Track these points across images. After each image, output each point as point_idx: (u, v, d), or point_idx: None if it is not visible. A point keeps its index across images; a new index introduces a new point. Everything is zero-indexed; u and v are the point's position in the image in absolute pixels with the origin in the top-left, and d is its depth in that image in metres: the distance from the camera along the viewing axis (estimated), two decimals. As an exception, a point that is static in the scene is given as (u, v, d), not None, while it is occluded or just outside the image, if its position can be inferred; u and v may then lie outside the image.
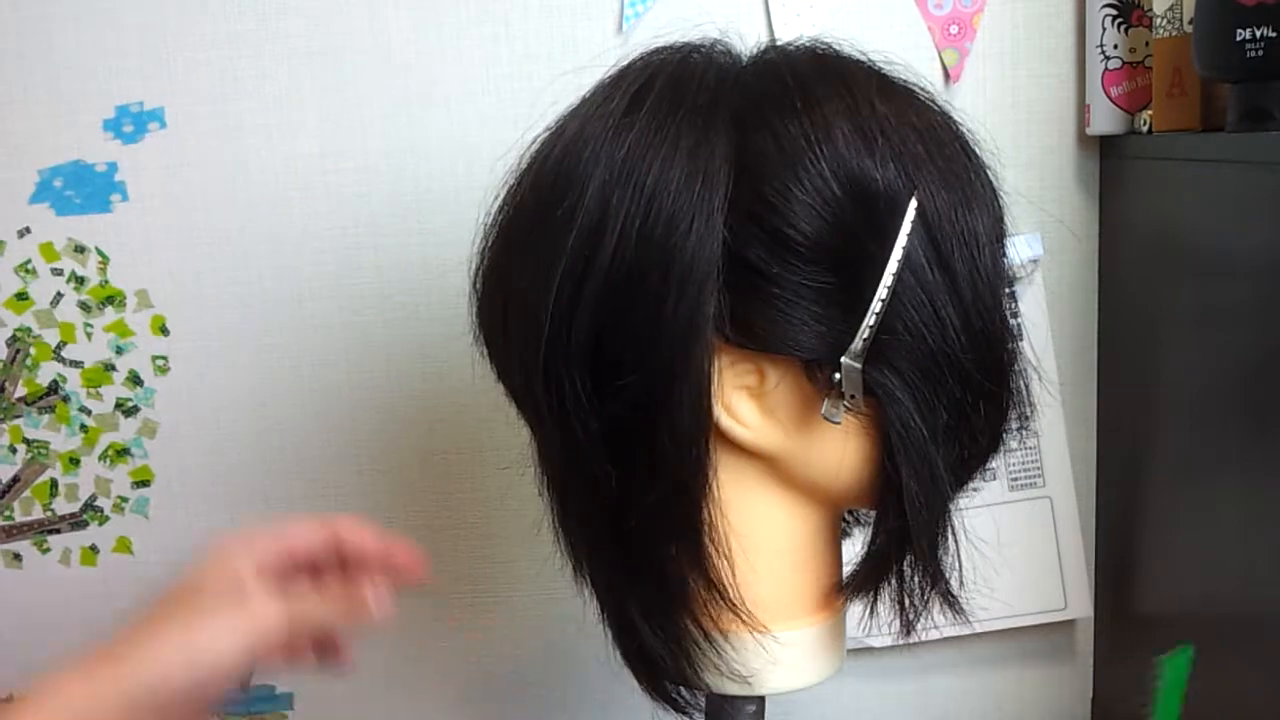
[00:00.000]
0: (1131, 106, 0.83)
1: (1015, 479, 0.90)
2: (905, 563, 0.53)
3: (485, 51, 0.85)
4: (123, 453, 0.91)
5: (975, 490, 0.54)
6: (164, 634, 0.50)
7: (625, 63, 0.52)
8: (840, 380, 0.47)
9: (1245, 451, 0.69)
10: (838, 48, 0.52)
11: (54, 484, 0.91)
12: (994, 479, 0.90)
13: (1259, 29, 0.65)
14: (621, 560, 0.52)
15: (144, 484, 0.91)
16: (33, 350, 0.89)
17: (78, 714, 0.48)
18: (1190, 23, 0.74)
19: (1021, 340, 0.52)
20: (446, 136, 0.86)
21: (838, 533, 0.57)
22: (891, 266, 0.46)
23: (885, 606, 0.55)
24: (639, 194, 0.46)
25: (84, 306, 0.89)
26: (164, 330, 0.89)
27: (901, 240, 0.46)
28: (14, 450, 0.90)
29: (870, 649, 0.92)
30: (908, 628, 0.55)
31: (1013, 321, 0.51)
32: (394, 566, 0.56)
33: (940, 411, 0.48)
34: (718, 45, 0.52)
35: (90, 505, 0.91)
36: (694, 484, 0.49)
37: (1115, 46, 0.83)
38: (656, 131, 0.47)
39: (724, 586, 0.51)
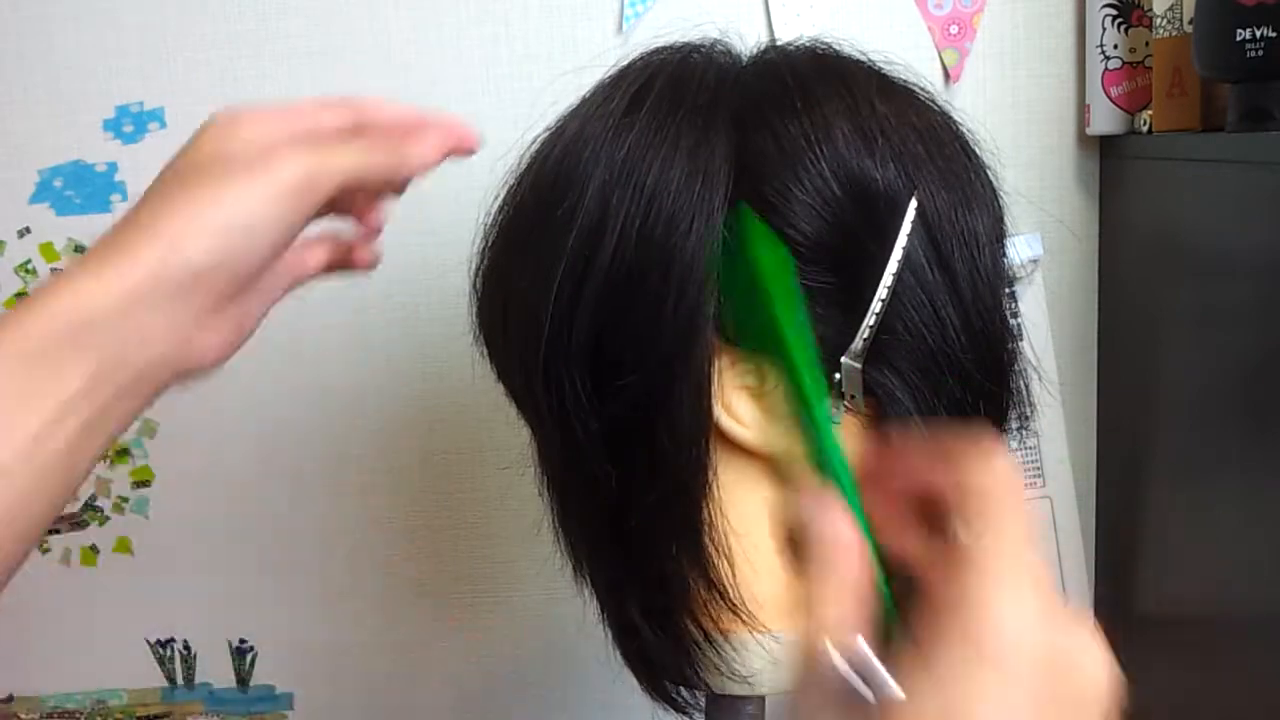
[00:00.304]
0: (1131, 106, 0.83)
1: (1015, 479, 0.90)
2: (905, 563, 0.53)
3: (485, 51, 0.86)
4: (123, 453, 0.91)
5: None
6: (183, 207, 0.43)
7: (625, 63, 0.52)
8: (840, 380, 0.47)
9: (1245, 451, 0.69)
10: (838, 48, 0.52)
11: (54, 484, 0.91)
12: (994, 479, 0.90)
13: (1259, 29, 0.65)
14: (621, 560, 0.52)
15: (144, 484, 0.91)
16: (33, 350, 0.89)
17: (90, 315, 0.42)
18: (1190, 23, 0.74)
19: (1021, 340, 0.52)
20: (446, 136, 0.86)
21: (838, 533, 0.57)
22: (891, 266, 0.46)
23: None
24: (639, 194, 0.46)
25: (84, 306, 0.89)
26: (164, 330, 0.89)
27: (901, 240, 0.46)
28: (14, 450, 0.90)
29: (870, 649, 0.92)
30: (908, 627, 0.55)
31: (1013, 321, 0.51)
32: (440, 131, 0.49)
33: (940, 411, 0.48)
34: (718, 45, 0.52)
35: (90, 505, 0.91)
36: (694, 484, 0.49)
37: (1115, 46, 0.83)
38: (656, 131, 0.47)
39: (724, 586, 0.51)
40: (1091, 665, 0.33)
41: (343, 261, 0.53)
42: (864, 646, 0.31)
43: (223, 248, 0.43)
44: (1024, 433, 0.54)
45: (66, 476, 0.42)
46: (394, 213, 0.54)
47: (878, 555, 0.36)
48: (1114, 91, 0.84)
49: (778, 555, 0.53)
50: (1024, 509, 0.33)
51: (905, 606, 0.34)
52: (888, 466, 0.38)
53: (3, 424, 0.40)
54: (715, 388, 0.48)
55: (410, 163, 0.47)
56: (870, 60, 0.51)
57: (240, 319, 0.48)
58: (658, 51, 0.52)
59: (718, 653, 0.53)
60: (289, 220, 0.44)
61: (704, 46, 0.52)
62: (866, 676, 0.31)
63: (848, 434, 0.49)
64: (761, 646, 0.53)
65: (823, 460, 0.37)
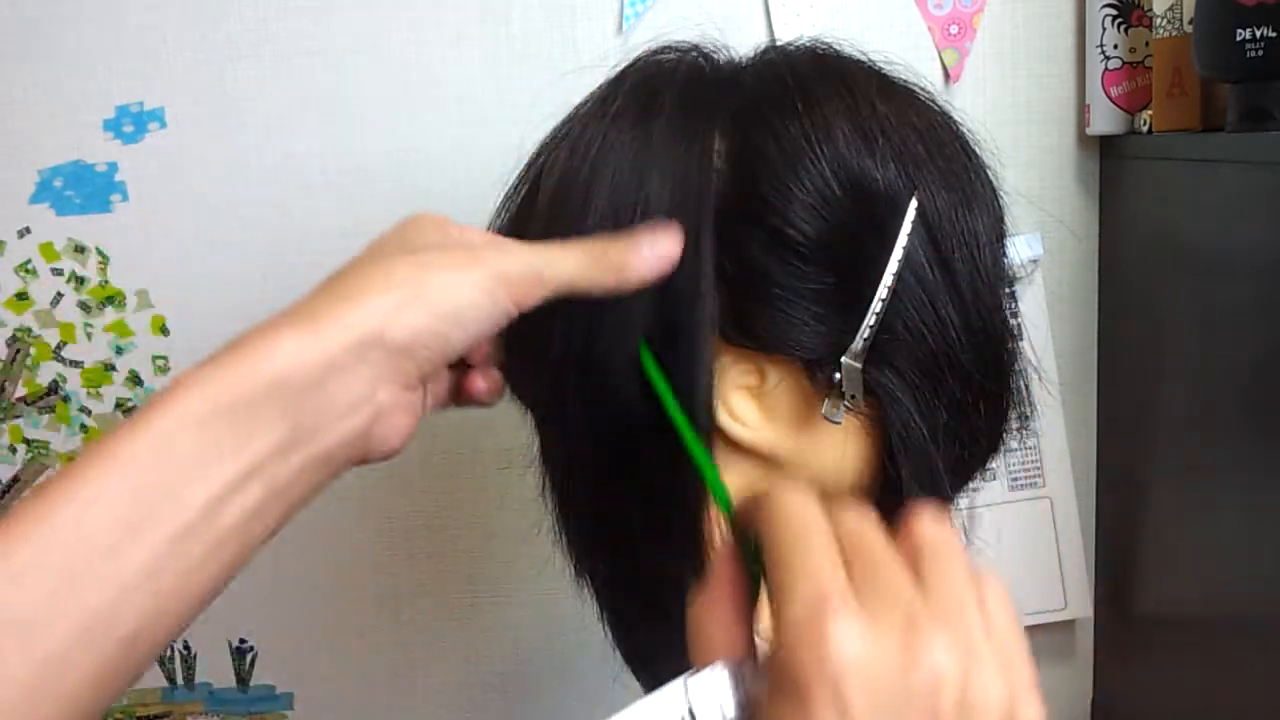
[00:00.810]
0: (1131, 106, 0.83)
1: (1015, 479, 0.90)
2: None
3: (485, 51, 0.85)
4: (123, 453, 0.91)
5: (975, 490, 0.54)
6: (399, 283, 0.41)
7: (625, 64, 0.52)
8: (840, 380, 0.47)
9: (1245, 452, 0.69)
10: (838, 48, 0.52)
11: (54, 484, 0.91)
12: (994, 479, 0.90)
13: (1259, 29, 0.65)
14: (621, 560, 0.52)
15: (144, 484, 0.91)
16: (33, 350, 0.89)
17: (290, 375, 0.39)
18: (1190, 23, 0.74)
19: (1021, 340, 0.52)
20: (446, 136, 0.86)
21: (838, 533, 0.57)
22: (892, 266, 0.46)
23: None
24: (640, 196, 0.46)
25: (84, 306, 0.89)
26: (164, 330, 0.89)
27: (902, 240, 0.46)
28: (14, 450, 0.90)
29: (870, 649, 0.92)
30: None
31: (1013, 321, 0.51)
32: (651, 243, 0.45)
33: (940, 411, 0.48)
34: (717, 46, 0.52)
35: (90, 505, 0.91)
36: (694, 484, 0.49)
37: (1115, 46, 0.83)
38: (657, 133, 0.47)
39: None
40: (929, 654, 0.32)
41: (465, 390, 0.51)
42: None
43: (434, 329, 0.41)
44: (1024, 433, 0.54)
45: (237, 550, 0.39)
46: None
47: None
48: (1114, 91, 0.84)
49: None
50: (799, 527, 0.35)
51: None
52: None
53: (178, 482, 0.37)
54: (716, 388, 0.48)
55: (628, 276, 0.44)
56: (870, 60, 0.51)
57: (421, 408, 0.46)
58: (657, 52, 0.52)
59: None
60: (497, 313, 0.43)
61: (703, 47, 0.52)
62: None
63: (849, 434, 0.49)
64: (759, 647, 0.53)
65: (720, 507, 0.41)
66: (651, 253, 0.45)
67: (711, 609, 0.37)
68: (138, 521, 0.37)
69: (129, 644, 0.37)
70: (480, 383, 0.50)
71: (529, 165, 0.53)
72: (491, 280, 0.42)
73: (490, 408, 0.52)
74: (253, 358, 0.39)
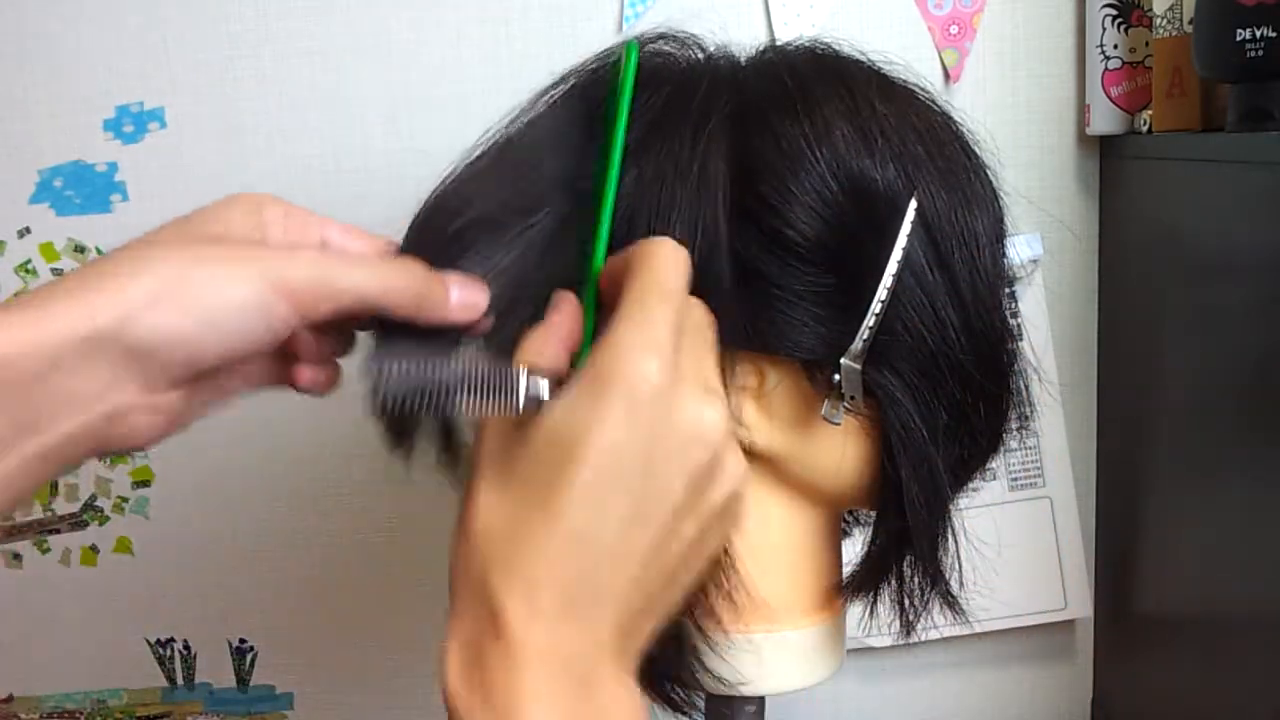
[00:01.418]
0: (1131, 106, 0.83)
1: (1015, 479, 0.90)
2: (905, 563, 0.53)
3: (485, 51, 0.85)
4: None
5: (975, 490, 0.54)
6: (156, 271, 0.38)
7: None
8: (840, 381, 0.47)
9: (1245, 451, 0.69)
10: (837, 48, 0.52)
11: (54, 484, 0.91)
12: (994, 479, 0.90)
13: (1259, 29, 0.65)
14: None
15: (144, 484, 0.91)
16: (33, 350, 0.89)
17: (6, 367, 0.35)
18: (1190, 23, 0.74)
19: (1021, 340, 0.52)
20: (446, 136, 0.86)
21: (838, 533, 0.57)
22: (891, 267, 0.46)
23: (885, 607, 0.55)
24: (643, 197, 0.46)
25: (84, 306, 0.89)
26: (164, 330, 0.89)
27: (901, 241, 0.46)
28: (14, 450, 0.90)
29: (870, 649, 0.92)
30: (908, 628, 0.55)
31: (1012, 322, 0.51)
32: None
33: (940, 412, 0.48)
34: (717, 46, 0.52)
35: (90, 505, 0.91)
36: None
37: (1115, 46, 0.83)
38: (656, 134, 0.47)
39: (723, 587, 0.51)
40: (700, 410, 0.38)
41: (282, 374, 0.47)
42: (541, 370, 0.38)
43: (184, 332, 0.38)
44: (1024, 433, 0.54)
45: None
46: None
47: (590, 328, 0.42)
48: (1114, 91, 0.83)
49: (777, 555, 0.53)
50: (661, 269, 0.39)
51: None
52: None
53: None
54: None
55: (428, 308, 0.43)
56: (870, 60, 0.51)
57: (182, 408, 0.41)
58: (655, 40, 0.52)
59: (717, 653, 0.53)
60: (270, 322, 0.39)
61: (703, 47, 0.52)
62: (534, 392, 0.37)
63: (848, 434, 0.49)
64: (761, 647, 0.53)
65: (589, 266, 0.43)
66: (459, 296, 0.44)
67: (547, 338, 0.41)
68: None
69: None
70: (306, 374, 0.46)
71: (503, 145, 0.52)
72: (266, 284, 0.39)
73: (322, 398, 0.49)
74: None
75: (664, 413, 0.37)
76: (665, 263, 0.39)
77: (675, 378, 0.37)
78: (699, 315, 0.41)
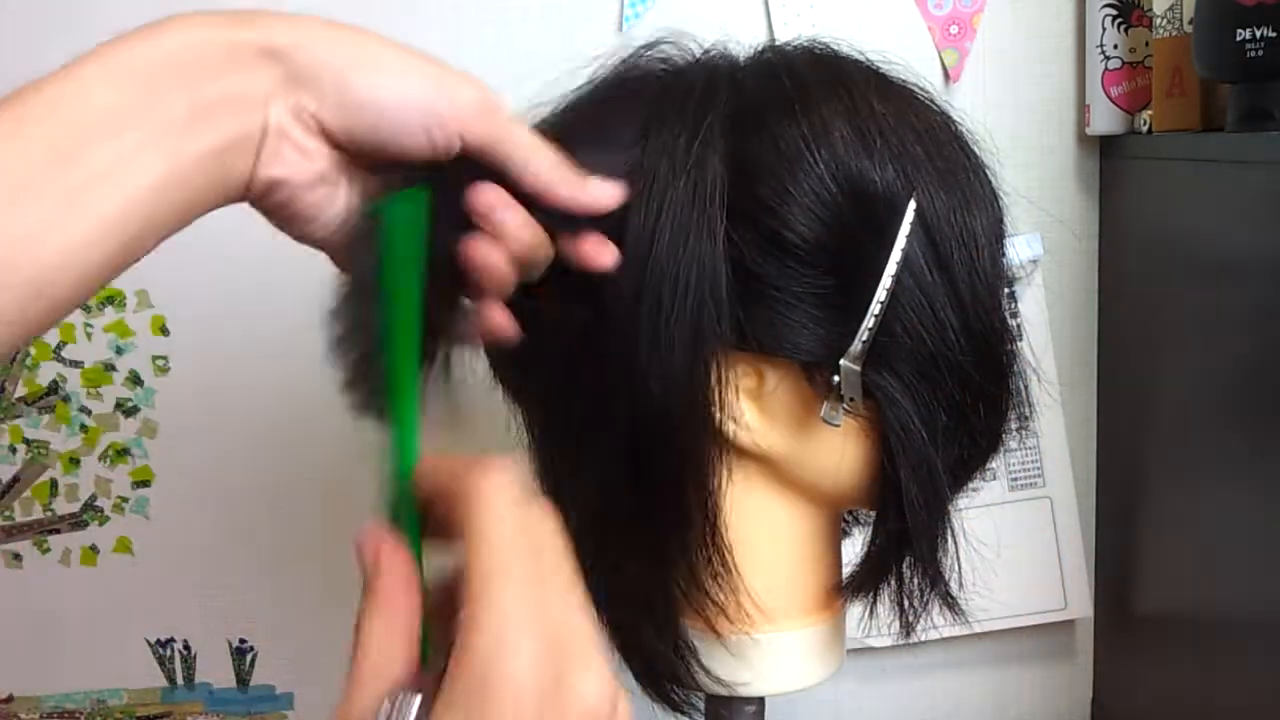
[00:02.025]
0: (1131, 106, 0.83)
1: (1015, 479, 0.90)
2: (905, 563, 0.53)
3: (485, 52, 0.85)
4: (123, 453, 0.91)
5: (975, 491, 0.54)
6: (316, 27, 0.40)
7: (623, 62, 0.52)
8: (839, 382, 0.47)
9: (1245, 451, 0.69)
10: (836, 48, 0.52)
11: (54, 484, 0.91)
12: (994, 479, 0.90)
13: (1259, 29, 0.65)
14: (620, 561, 0.52)
15: (144, 484, 0.91)
16: (32, 350, 0.89)
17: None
18: (1190, 23, 0.74)
19: (1021, 341, 0.52)
20: (446, 136, 0.86)
21: (838, 533, 0.57)
22: (890, 268, 0.46)
23: (885, 607, 0.55)
24: (639, 198, 0.46)
25: (84, 306, 0.89)
26: (164, 330, 0.89)
27: (900, 242, 0.46)
28: (14, 450, 0.90)
29: (870, 649, 0.92)
30: (907, 628, 0.55)
31: (1012, 322, 0.51)
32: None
33: (939, 413, 0.48)
34: (715, 46, 0.52)
35: (90, 505, 0.91)
36: (693, 486, 0.49)
37: (1115, 46, 0.83)
38: (654, 135, 0.47)
39: (723, 587, 0.51)
40: (585, 689, 0.33)
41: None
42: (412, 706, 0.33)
43: (348, 86, 0.40)
44: (1023, 433, 0.54)
45: (136, 230, 0.37)
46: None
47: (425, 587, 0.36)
48: (1114, 91, 0.83)
49: (777, 556, 0.53)
50: (509, 517, 0.34)
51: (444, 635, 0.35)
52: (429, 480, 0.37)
53: (90, 135, 0.37)
54: (715, 391, 0.48)
55: (578, 197, 0.44)
56: (869, 60, 0.51)
57: (325, 170, 0.41)
58: (654, 45, 0.52)
59: (717, 653, 0.53)
60: (429, 131, 0.40)
61: (701, 47, 0.52)
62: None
63: (847, 436, 0.49)
64: (761, 647, 0.53)
65: (395, 474, 0.38)
66: (600, 189, 0.44)
67: (384, 619, 0.36)
68: (42, 171, 0.36)
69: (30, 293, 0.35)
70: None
71: None
72: (441, 92, 0.41)
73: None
74: (163, 32, 0.40)
75: (554, 707, 0.32)
76: (496, 517, 0.34)
77: (555, 663, 0.32)
78: (546, 538, 0.35)
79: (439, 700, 0.32)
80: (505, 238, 0.43)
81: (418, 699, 0.33)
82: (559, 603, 0.34)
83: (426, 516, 0.37)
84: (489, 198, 0.42)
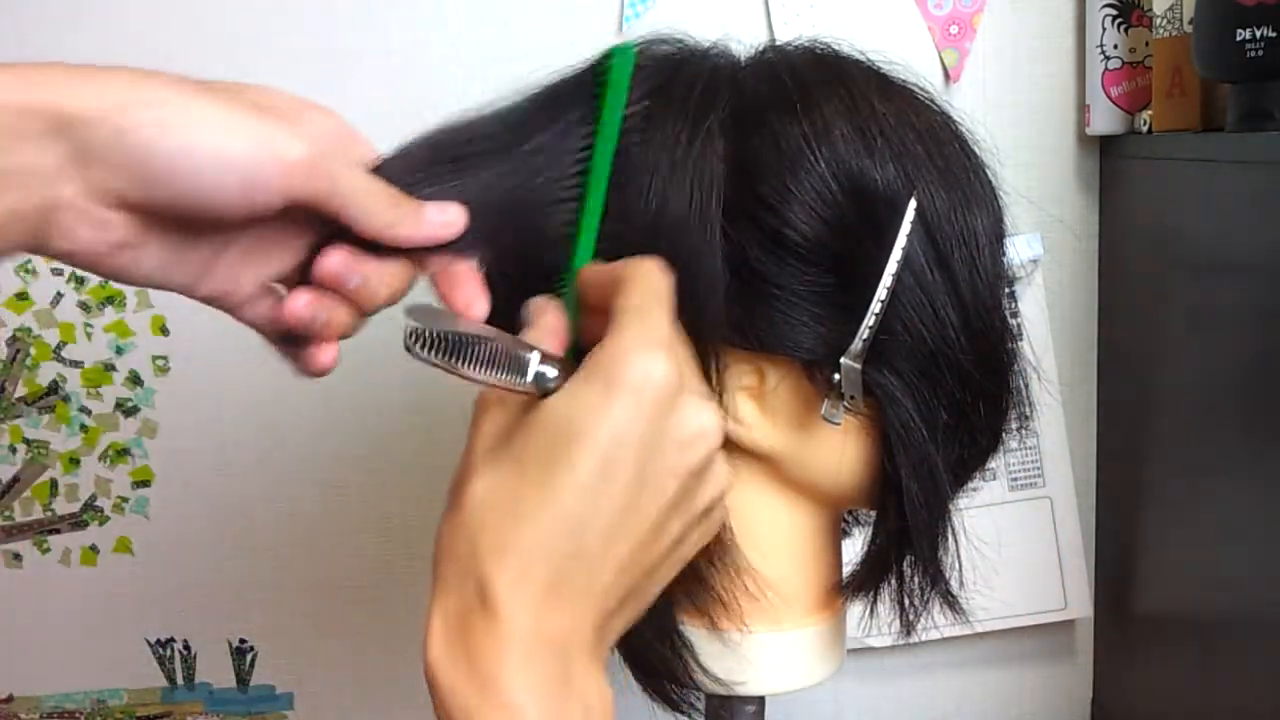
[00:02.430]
0: (1131, 106, 0.83)
1: (1015, 479, 0.90)
2: (905, 563, 0.53)
3: (485, 51, 0.85)
4: (123, 453, 0.91)
5: (975, 490, 0.54)
6: (150, 84, 0.37)
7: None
8: (840, 381, 0.47)
9: (1245, 451, 0.69)
10: (836, 48, 0.52)
11: (54, 484, 0.91)
12: (994, 479, 0.90)
13: (1259, 29, 0.65)
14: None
15: (144, 484, 0.91)
16: (33, 350, 0.89)
17: None
18: (1190, 23, 0.74)
19: (1021, 340, 0.52)
20: (446, 136, 0.86)
21: (838, 532, 0.57)
22: (891, 267, 0.46)
23: (885, 606, 0.55)
24: (638, 198, 0.46)
25: (84, 306, 0.89)
26: (164, 330, 0.89)
27: (901, 241, 0.46)
28: (14, 450, 0.90)
29: (870, 649, 0.92)
30: (908, 628, 0.55)
31: (1012, 321, 0.51)
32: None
33: (940, 412, 0.48)
34: (716, 45, 0.52)
35: (90, 505, 0.91)
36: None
37: (1115, 46, 0.83)
38: (654, 134, 0.47)
39: (723, 587, 0.51)
40: (700, 414, 0.39)
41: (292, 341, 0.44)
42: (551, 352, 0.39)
43: (149, 151, 0.36)
44: (1024, 432, 0.54)
45: None
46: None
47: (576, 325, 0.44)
48: (1114, 91, 0.84)
49: (777, 555, 0.53)
50: (658, 284, 0.41)
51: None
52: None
53: None
54: (716, 388, 0.48)
55: (398, 231, 0.42)
56: (869, 60, 0.51)
57: (129, 237, 0.38)
58: (653, 43, 0.52)
59: (717, 653, 0.53)
60: (247, 187, 0.37)
61: (703, 46, 0.52)
62: (541, 373, 0.38)
63: (848, 434, 0.49)
64: (761, 646, 0.53)
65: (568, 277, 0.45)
66: (437, 217, 0.42)
67: (546, 331, 0.42)
68: None
69: None
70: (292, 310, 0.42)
71: None
72: (261, 145, 0.37)
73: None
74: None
75: (667, 412, 0.38)
76: (660, 279, 0.41)
77: (679, 381, 0.38)
78: (680, 335, 0.42)
79: (571, 378, 0.38)
80: (362, 294, 0.42)
81: (554, 368, 0.39)
82: (688, 361, 0.41)
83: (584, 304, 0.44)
84: (333, 265, 0.41)
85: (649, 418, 0.37)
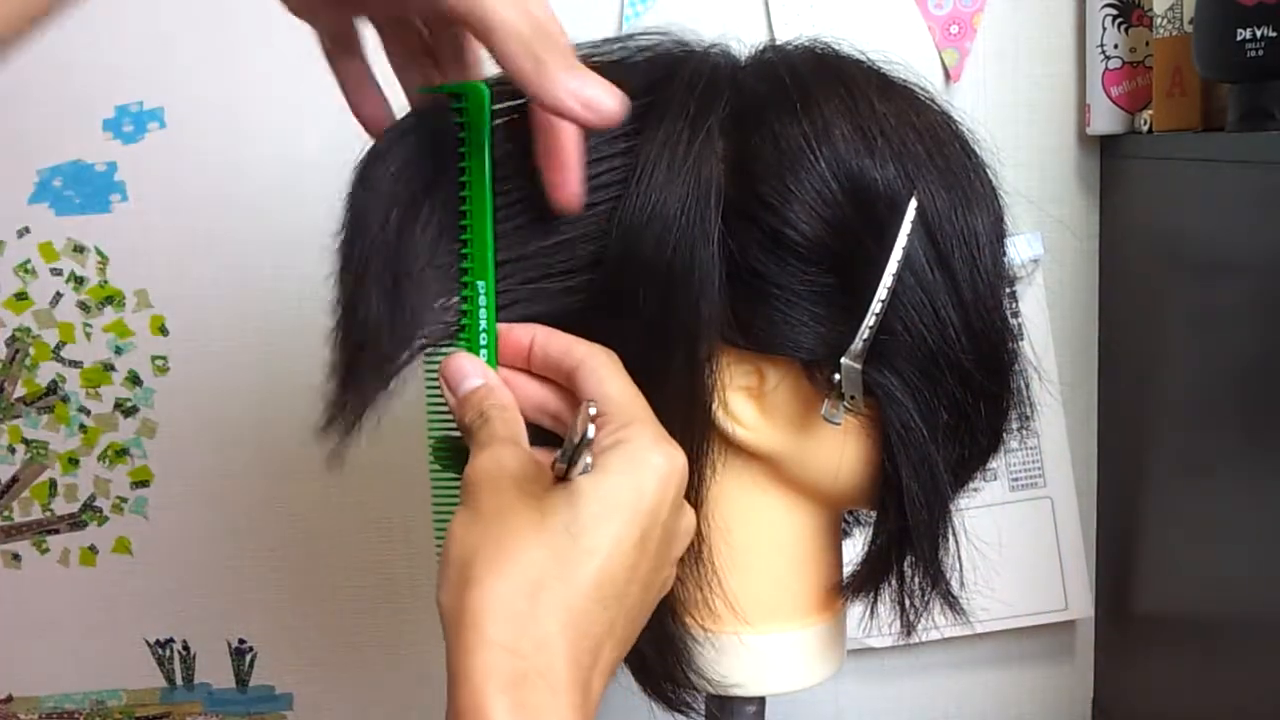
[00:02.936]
0: (1132, 106, 0.83)
1: (1016, 479, 0.90)
2: (905, 563, 0.53)
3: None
4: (122, 453, 0.91)
5: (975, 490, 0.54)
6: None
7: (620, 59, 0.52)
8: (840, 381, 0.47)
9: (1245, 451, 0.69)
10: (836, 47, 0.52)
11: (53, 484, 0.91)
12: (994, 479, 0.90)
13: (1259, 29, 0.65)
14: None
15: (143, 484, 0.91)
16: (32, 350, 0.89)
17: None
18: (1190, 23, 0.74)
19: (1021, 340, 0.52)
20: (446, 136, 0.86)
21: (838, 533, 0.57)
22: (891, 267, 0.45)
23: (885, 607, 0.55)
24: (637, 198, 0.46)
25: (83, 306, 0.89)
26: (163, 330, 0.89)
27: (901, 240, 0.46)
28: (13, 450, 0.90)
29: (870, 649, 0.92)
30: (908, 628, 0.55)
31: (1013, 321, 0.51)
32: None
33: (940, 412, 0.48)
34: (716, 45, 0.52)
35: (89, 505, 0.91)
36: (693, 485, 0.49)
37: (1115, 46, 0.83)
38: (653, 133, 0.47)
39: (723, 588, 0.51)
40: (688, 516, 0.46)
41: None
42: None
43: None
44: (1024, 432, 0.54)
45: None
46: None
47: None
48: (1114, 91, 0.84)
49: (777, 556, 0.53)
50: (622, 372, 0.45)
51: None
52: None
53: None
54: (715, 389, 0.48)
55: (544, 88, 0.42)
56: (869, 59, 0.51)
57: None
58: (654, 53, 0.51)
59: (717, 654, 0.53)
60: None
61: (702, 46, 0.52)
62: (575, 454, 0.40)
63: (848, 434, 0.49)
64: (761, 647, 0.53)
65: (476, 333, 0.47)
66: (592, 93, 0.42)
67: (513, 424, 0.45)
68: None
69: None
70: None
71: None
72: None
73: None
74: None
75: (678, 493, 0.44)
76: (624, 377, 0.45)
77: (684, 465, 0.44)
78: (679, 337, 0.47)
79: (600, 460, 0.42)
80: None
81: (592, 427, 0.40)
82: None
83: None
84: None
85: (667, 500, 0.43)
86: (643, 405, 0.45)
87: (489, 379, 0.47)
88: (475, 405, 0.46)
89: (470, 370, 0.47)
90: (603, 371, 0.45)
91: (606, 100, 0.42)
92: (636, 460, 0.42)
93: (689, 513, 0.46)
